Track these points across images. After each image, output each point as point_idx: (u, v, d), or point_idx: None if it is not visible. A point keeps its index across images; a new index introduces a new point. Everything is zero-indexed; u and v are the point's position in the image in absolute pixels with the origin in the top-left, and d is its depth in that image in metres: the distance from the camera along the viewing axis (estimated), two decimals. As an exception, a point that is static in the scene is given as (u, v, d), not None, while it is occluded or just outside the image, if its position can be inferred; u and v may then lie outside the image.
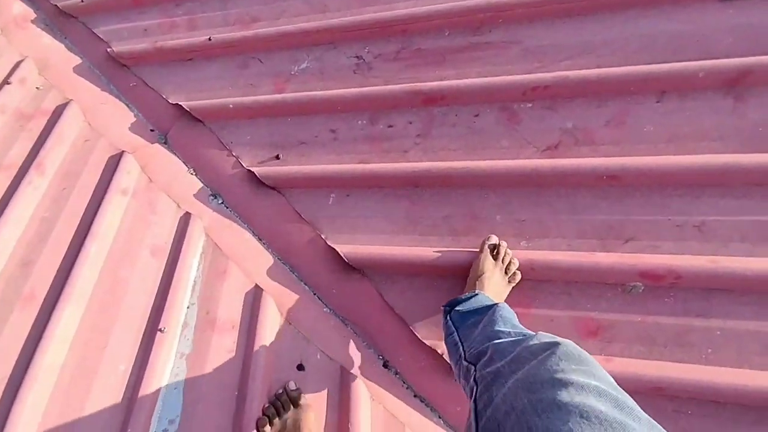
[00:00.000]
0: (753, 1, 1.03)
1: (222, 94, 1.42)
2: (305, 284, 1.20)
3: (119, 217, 1.24)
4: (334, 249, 1.13)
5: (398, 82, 1.26)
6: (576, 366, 0.45)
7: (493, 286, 0.91)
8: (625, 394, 0.43)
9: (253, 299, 1.14)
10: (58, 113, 1.45)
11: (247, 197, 1.31)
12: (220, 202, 1.34)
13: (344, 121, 1.28)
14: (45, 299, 1.09)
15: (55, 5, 1.71)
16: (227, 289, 1.16)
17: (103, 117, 1.48)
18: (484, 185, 1.09)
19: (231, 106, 1.36)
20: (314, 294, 1.18)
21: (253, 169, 1.29)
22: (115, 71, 1.58)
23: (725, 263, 0.86)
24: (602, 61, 1.10)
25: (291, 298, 1.16)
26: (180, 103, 1.42)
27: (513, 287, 0.97)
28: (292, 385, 1.00)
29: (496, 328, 0.70)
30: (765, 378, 0.80)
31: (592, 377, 0.44)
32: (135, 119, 1.50)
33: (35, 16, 1.76)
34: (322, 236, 1.19)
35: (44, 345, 1.01)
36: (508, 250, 0.97)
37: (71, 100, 1.47)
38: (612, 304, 0.93)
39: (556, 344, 0.50)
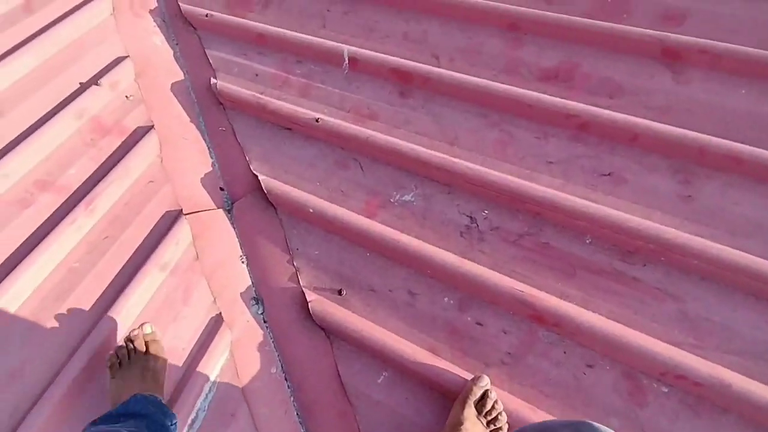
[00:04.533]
0: None
1: (307, 188, 1.23)
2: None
3: (147, 299, 1.08)
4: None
5: (509, 274, 1.03)
6: None
7: None
8: None
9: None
10: (135, 137, 1.30)
11: (291, 324, 1.12)
12: (260, 311, 1.16)
13: (429, 290, 1.07)
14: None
15: (179, 6, 1.56)
16: (228, 442, 0.97)
17: (179, 155, 1.33)
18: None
19: (311, 210, 1.17)
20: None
21: (309, 296, 1.10)
22: (210, 105, 1.42)
23: None
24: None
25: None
26: (260, 177, 1.25)
27: None
28: (147, 329, 0.96)
29: None
30: None
31: None
32: (210, 169, 1.34)
33: (156, 6, 1.62)
34: (357, 418, 0.98)
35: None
36: (498, 402, 0.86)
37: (153, 126, 1.32)
38: None
39: (582, 424, 0.50)
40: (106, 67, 1.41)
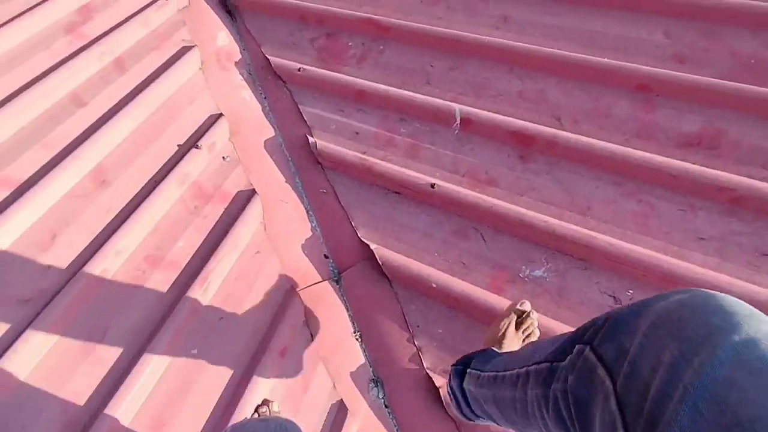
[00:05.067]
0: None
1: (424, 259, 1.15)
2: None
3: (269, 389, 1.00)
4: None
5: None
6: (732, 314, 0.34)
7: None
8: None
9: None
10: (237, 203, 1.24)
11: (417, 412, 1.03)
12: (380, 395, 1.07)
13: (576, 380, 0.97)
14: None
15: (267, 57, 1.52)
16: None
17: (280, 221, 1.26)
18: None
19: (434, 285, 1.09)
20: None
21: (437, 381, 1.02)
22: (307, 163, 1.36)
23: None
24: None
25: None
26: (373, 246, 1.18)
27: None
28: (275, 407, 0.92)
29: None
30: None
31: (760, 324, 0.33)
32: (311, 234, 1.27)
33: (240, 57, 1.58)
34: None
35: None
36: (534, 321, 0.92)
37: (254, 190, 1.27)
38: None
39: (696, 295, 0.39)
40: (201, 126, 1.36)
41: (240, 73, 1.54)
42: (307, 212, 1.31)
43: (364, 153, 1.30)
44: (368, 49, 1.44)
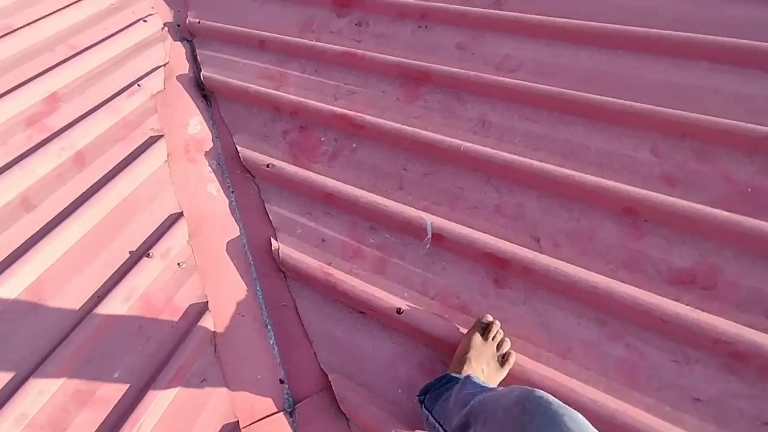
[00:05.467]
0: None
1: (387, 396, 1.04)
2: None
3: None
4: None
5: None
6: (548, 428, 0.51)
7: (481, 366, 0.90)
8: None
9: None
10: (187, 319, 1.14)
11: None
12: None
13: None
14: None
15: (237, 148, 1.45)
16: None
17: (234, 338, 1.16)
18: None
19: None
20: None
21: None
22: (269, 270, 1.27)
23: None
24: None
25: None
26: (332, 377, 1.06)
27: (509, 371, 0.93)
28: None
29: (468, 391, 0.75)
30: None
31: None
32: (267, 354, 1.17)
33: (212, 146, 1.51)
34: None
35: None
36: (501, 330, 0.96)
37: (207, 304, 1.16)
38: None
39: (528, 400, 0.56)
40: (158, 228, 1.27)
41: (209, 164, 1.47)
42: (266, 326, 1.21)
43: (329, 263, 1.21)
44: (341, 146, 1.37)
